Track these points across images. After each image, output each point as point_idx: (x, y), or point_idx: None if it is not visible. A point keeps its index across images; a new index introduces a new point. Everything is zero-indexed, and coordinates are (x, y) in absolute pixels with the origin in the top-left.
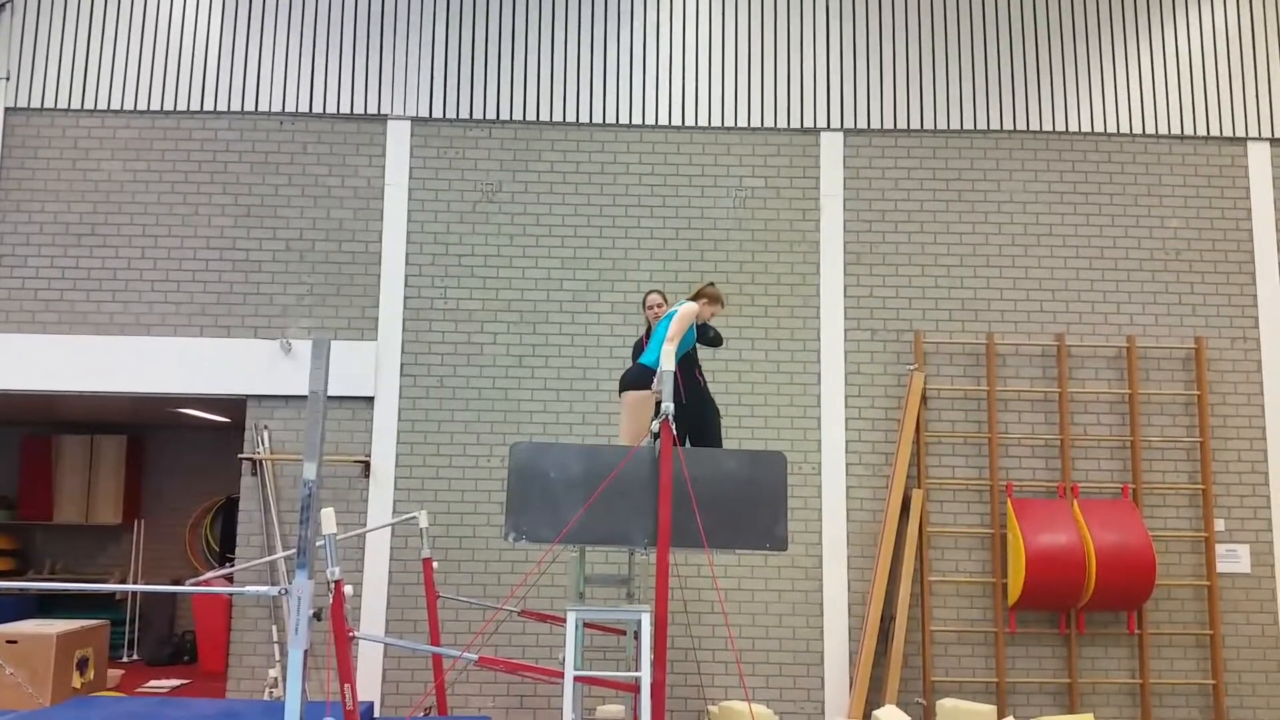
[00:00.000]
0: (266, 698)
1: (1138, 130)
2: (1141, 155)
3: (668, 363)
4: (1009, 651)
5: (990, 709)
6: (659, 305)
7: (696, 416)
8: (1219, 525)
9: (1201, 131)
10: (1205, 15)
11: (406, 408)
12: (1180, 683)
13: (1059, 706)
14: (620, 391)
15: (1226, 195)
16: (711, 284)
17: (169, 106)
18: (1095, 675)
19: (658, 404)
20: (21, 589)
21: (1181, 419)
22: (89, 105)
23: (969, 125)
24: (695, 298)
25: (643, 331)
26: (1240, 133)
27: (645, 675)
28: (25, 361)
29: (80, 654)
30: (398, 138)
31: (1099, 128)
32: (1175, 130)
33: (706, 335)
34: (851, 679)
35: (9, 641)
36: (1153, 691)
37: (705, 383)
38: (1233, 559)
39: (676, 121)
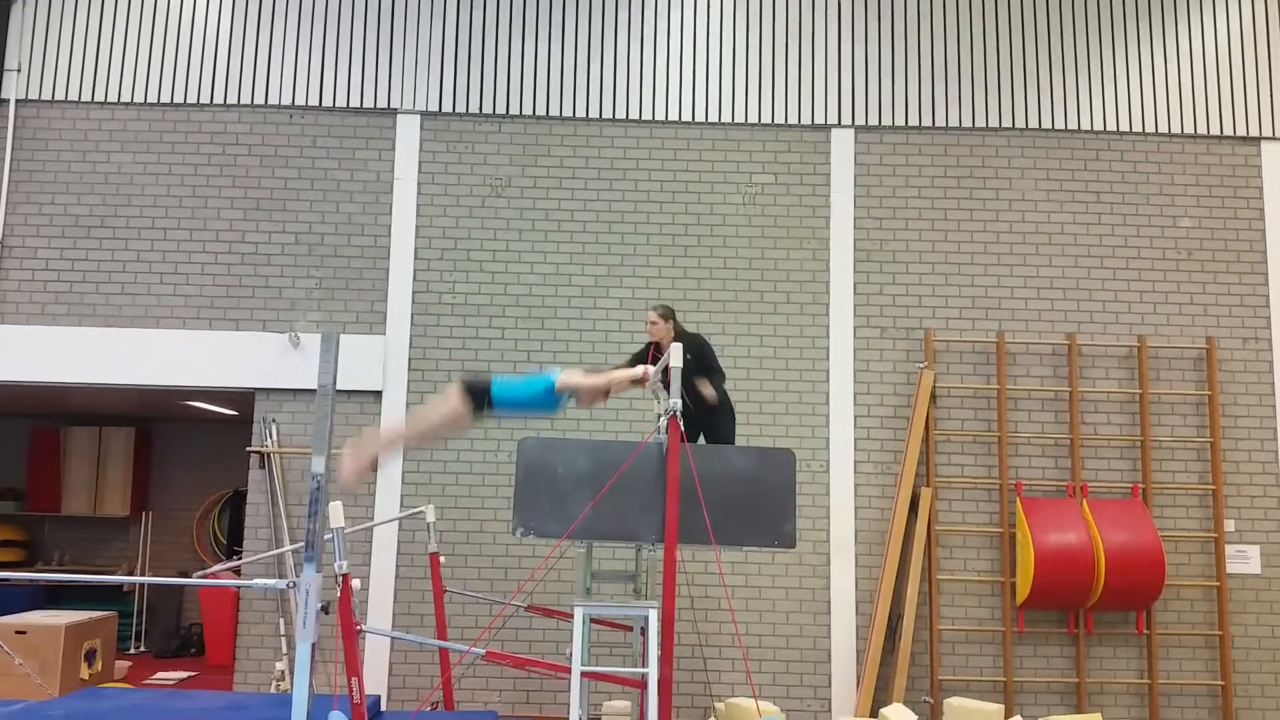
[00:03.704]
0: (274, 690)
1: (1150, 129)
2: (1154, 154)
3: (672, 357)
4: (1017, 651)
5: (998, 708)
6: (654, 323)
7: (704, 420)
8: (1229, 526)
9: (1215, 131)
10: (1219, 13)
11: (414, 402)
12: (1189, 683)
13: (1067, 706)
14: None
15: (1239, 195)
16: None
17: (179, 99)
18: (1103, 675)
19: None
20: (30, 580)
21: (1192, 419)
22: (99, 98)
23: (980, 123)
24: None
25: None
26: (1254, 132)
27: (652, 671)
28: (34, 353)
29: (88, 645)
30: (407, 132)
31: (1112, 126)
32: (1188, 129)
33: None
34: (858, 677)
35: (18, 632)
36: (1161, 692)
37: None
38: (1243, 560)
39: (687, 117)
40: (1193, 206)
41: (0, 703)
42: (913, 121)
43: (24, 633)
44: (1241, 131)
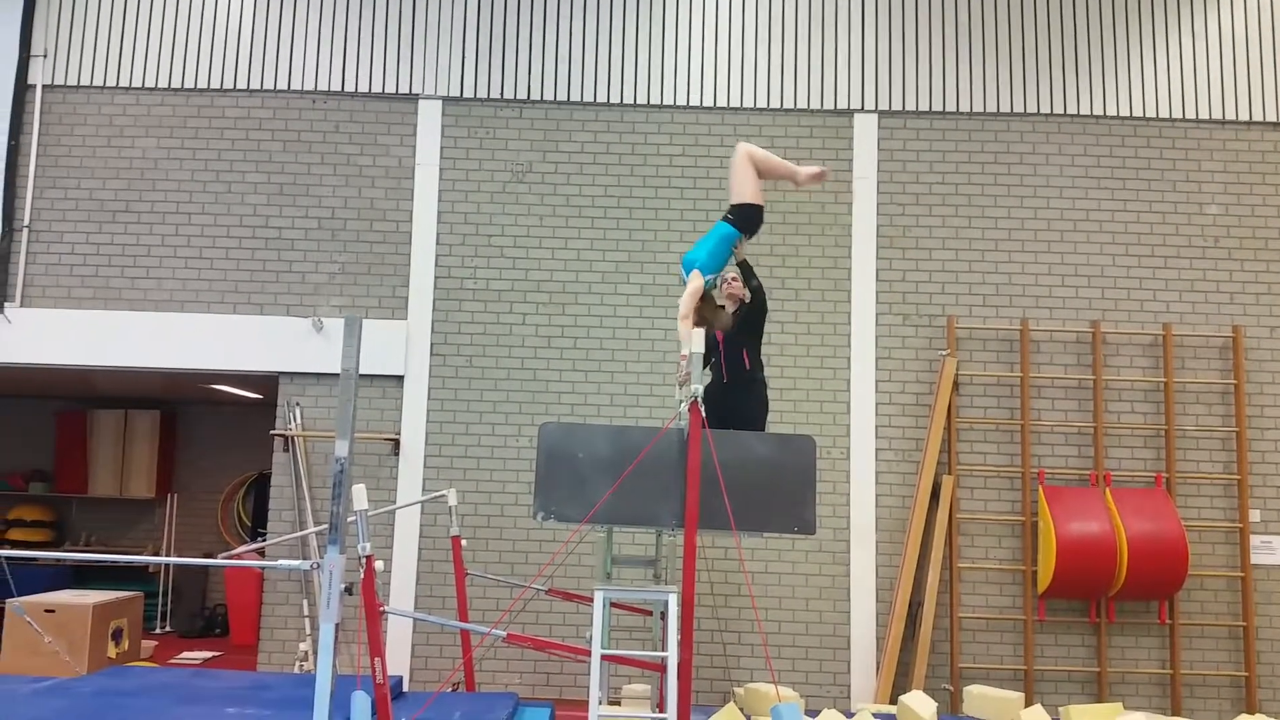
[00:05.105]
0: (297, 671)
1: (1177, 115)
2: (1181, 140)
3: (693, 342)
4: (1037, 639)
5: (1018, 696)
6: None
7: (726, 402)
8: (1254, 516)
9: (1243, 116)
10: None
11: (436, 387)
12: (1212, 674)
13: (1087, 695)
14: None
15: (1268, 182)
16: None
17: (203, 84)
18: (1125, 665)
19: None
20: (58, 560)
21: (1217, 408)
22: (124, 83)
23: (1005, 108)
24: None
25: None
26: None
27: (672, 655)
28: (61, 337)
29: (115, 624)
30: (429, 117)
31: (1138, 112)
32: (1216, 115)
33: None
34: (878, 664)
35: (47, 611)
36: (1184, 682)
37: (750, 367)
38: (1268, 550)
39: (709, 102)
40: (1220, 193)
41: (30, 679)
42: (936, 106)
43: (53, 611)
44: (1271, 117)
